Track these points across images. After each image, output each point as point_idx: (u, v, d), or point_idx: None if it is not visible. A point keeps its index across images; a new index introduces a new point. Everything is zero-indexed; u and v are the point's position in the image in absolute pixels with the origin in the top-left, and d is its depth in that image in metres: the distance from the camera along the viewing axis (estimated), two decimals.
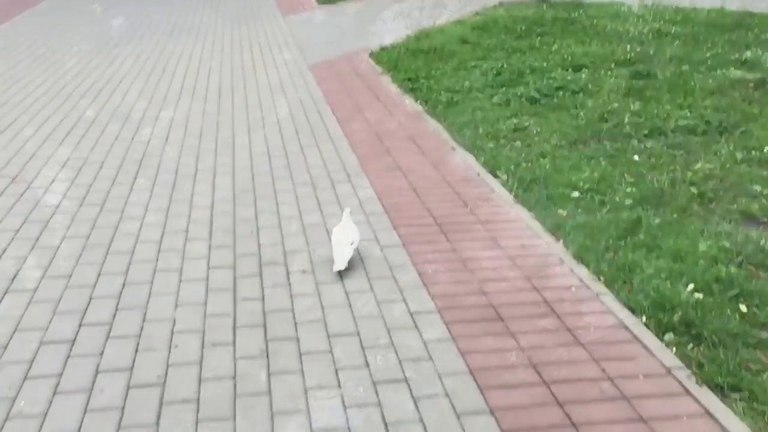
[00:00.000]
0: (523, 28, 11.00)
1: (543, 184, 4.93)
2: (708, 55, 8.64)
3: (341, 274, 3.77)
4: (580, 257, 3.91)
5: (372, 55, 9.56)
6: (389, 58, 9.21)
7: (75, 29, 11.81)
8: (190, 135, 5.97)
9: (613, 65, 8.56)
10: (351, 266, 3.80)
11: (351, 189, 4.86)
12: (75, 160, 5.38)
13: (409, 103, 7.19)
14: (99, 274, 3.73)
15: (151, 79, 8.20)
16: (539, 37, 10.35)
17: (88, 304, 3.44)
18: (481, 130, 6.17)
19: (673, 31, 10.58)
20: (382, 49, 9.80)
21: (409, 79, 8.00)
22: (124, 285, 3.63)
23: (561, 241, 4.10)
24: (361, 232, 4.00)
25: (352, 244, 3.92)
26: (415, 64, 8.72)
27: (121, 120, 6.48)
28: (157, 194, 4.77)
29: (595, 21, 11.60)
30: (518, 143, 5.90)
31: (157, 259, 3.90)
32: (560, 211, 4.52)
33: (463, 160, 5.44)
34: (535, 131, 6.23)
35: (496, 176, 5.14)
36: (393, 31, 11.57)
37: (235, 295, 3.57)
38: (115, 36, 11.21)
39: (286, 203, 4.62)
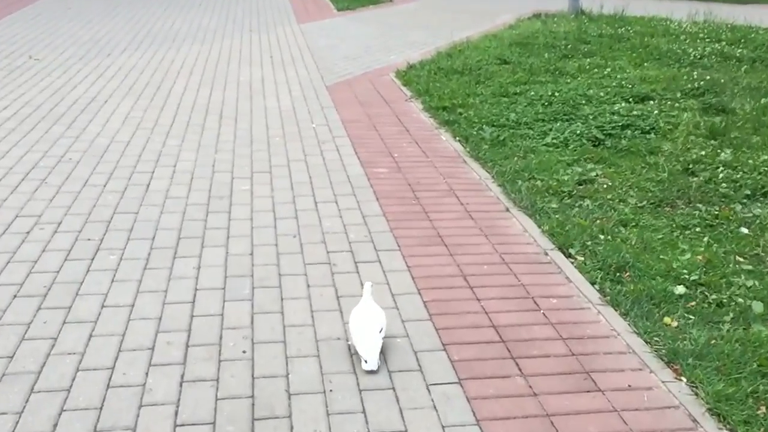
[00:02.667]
0: (567, 45, 9.80)
1: (634, 271, 3.73)
2: None
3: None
4: (720, 415, 2.68)
5: (398, 74, 8.38)
6: (418, 79, 8.02)
7: (67, 33, 10.67)
8: (178, 184, 4.79)
9: (679, 95, 7.36)
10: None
11: (380, 271, 3.66)
12: (25, 219, 4.21)
13: (446, 139, 5.99)
14: None
15: (141, 98, 7.03)
16: (587, 58, 9.15)
17: None
18: (538, 183, 4.96)
19: (738, 54, 9.36)
20: (410, 67, 8.62)
21: (444, 108, 6.80)
22: None
23: (683, 380, 2.87)
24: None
25: (380, 331, 2.94)
26: (448, 87, 7.53)
27: (92, 159, 5.28)
28: (123, 282, 3.60)
29: (645, 39, 10.38)
30: (587, 202, 4.69)
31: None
32: (666, 319, 3.31)
33: (524, 229, 4.24)
34: (605, 185, 5.03)
35: (568, 255, 3.94)
36: (419, 45, 10.41)
37: None
38: (110, 42, 10.06)
39: (294, 296, 3.44)
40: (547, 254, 3.92)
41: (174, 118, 6.33)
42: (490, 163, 5.38)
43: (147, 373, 2.77)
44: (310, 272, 3.62)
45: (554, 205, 4.62)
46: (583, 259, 3.90)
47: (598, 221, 4.41)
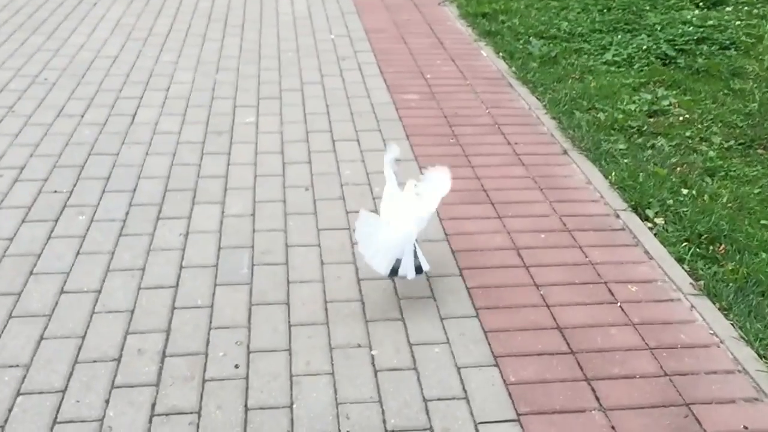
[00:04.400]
0: None
1: (731, 243, 2.96)
2: None
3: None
4: None
5: None
6: None
7: None
8: (169, 114, 4.02)
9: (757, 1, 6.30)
10: None
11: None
12: None
13: (487, 55, 5.09)
14: None
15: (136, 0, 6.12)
16: None
17: None
18: (601, 115, 4.11)
19: None
20: None
21: (483, 15, 5.83)
22: None
23: None
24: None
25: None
26: None
27: (71, 81, 4.52)
28: (91, 256, 2.91)
29: None
30: (662, 142, 3.86)
31: None
32: None
33: (587, 180, 3.45)
34: (681, 118, 4.17)
35: (645, 217, 3.17)
36: None
37: None
38: None
39: (304, 279, 2.74)
40: (618, 217, 3.15)
41: (171, 26, 5.45)
42: (541, 87, 4.51)
43: (107, 401, 2.12)
44: (324, 242, 2.89)
45: (622, 146, 3.79)
46: (663, 223, 3.13)
47: (678, 169, 3.60)
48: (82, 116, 3.94)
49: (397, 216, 2.53)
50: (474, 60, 4.99)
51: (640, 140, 3.89)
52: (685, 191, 3.38)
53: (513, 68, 4.85)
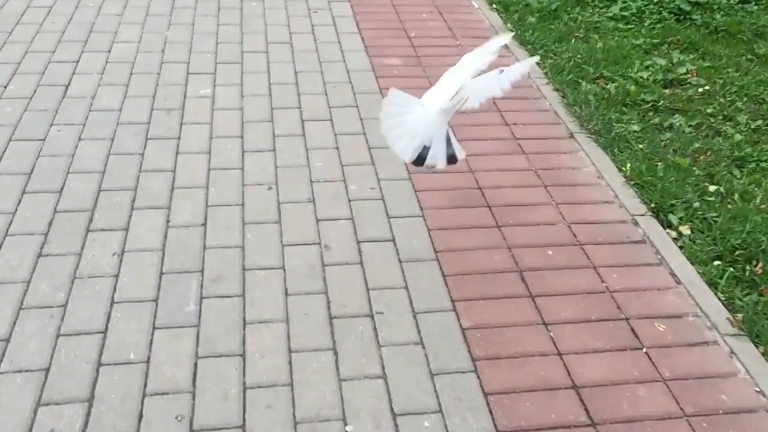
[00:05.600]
0: None
1: None
2: None
3: None
4: None
5: None
6: None
7: None
8: (109, 84, 3.43)
9: None
10: None
11: (395, 264, 2.45)
12: None
13: (479, 7, 4.49)
14: None
15: None
16: None
17: None
18: (611, 87, 3.58)
19: None
20: None
21: None
22: None
23: None
24: None
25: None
26: None
27: None
28: None
29: None
30: (680, 121, 3.37)
31: None
32: None
33: (598, 173, 2.96)
34: (701, 89, 3.67)
35: (668, 224, 2.70)
36: None
37: None
38: None
39: (268, 318, 2.26)
40: (637, 224, 2.68)
41: None
42: (541, 49, 3.95)
43: None
44: (289, 263, 2.40)
45: (636, 128, 3.29)
46: (690, 233, 2.67)
47: (701, 158, 3.12)
48: (6, 87, 3.33)
49: (436, 95, 2.18)
50: (464, 13, 4.40)
51: (656, 119, 3.38)
52: (712, 188, 2.91)
53: (509, 24, 4.27)
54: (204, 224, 2.55)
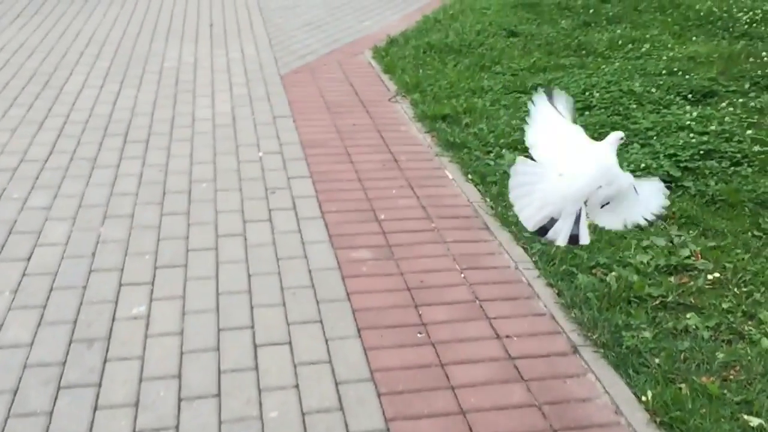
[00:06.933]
0: (584, 7, 7.80)
1: None
2: None
3: None
4: None
5: (376, 53, 6.38)
6: (403, 62, 6.03)
7: None
8: (23, 303, 2.91)
9: (749, 87, 5.49)
10: None
11: None
12: None
13: (454, 179, 4.11)
14: None
15: (15, 106, 4.98)
16: (614, 26, 7.20)
17: None
18: (611, 279, 3.13)
19: None
20: (391, 41, 6.62)
21: (443, 118, 4.87)
22: None
23: None
24: None
25: None
26: (444, 77, 5.60)
27: None
28: None
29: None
30: (696, 322, 2.91)
31: None
32: None
33: (614, 403, 2.45)
34: (710, 278, 3.23)
35: None
36: (399, 2, 8.34)
37: None
38: None
39: None
40: None
41: (53, 147, 4.28)
42: (527, 237, 3.49)
43: None
44: None
45: (647, 334, 2.81)
46: None
47: (730, 374, 2.63)
48: None
49: (572, 161, 2.14)
50: (438, 186, 4.00)
51: (669, 322, 2.91)
52: (753, 421, 2.40)
53: (487, 198, 3.87)
54: None
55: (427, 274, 3.17)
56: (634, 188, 2.24)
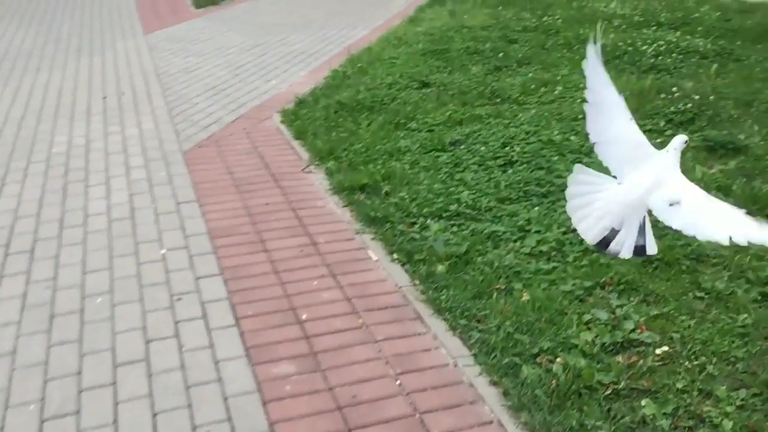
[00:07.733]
0: (493, 50, 7.72)
1: None
2: None
3: None
4: None
5: (285, 116, 6.06)
6: (314, 125, 5.73)
7: None
8: None
9: (663, 124, 5.47)
10: None
11: None
12: None
13: (378, 260, 3.80)
14: None
15: None
16: (524, 68, 7.13)
17: None
18: (557, 371, 2.87)
19: (699, 48, 7.59)
20: (299, 102, 6.32)
21: (362, 189, 4.57)
22: None
23: None
24: None
25: None
26: (359, 140, 5.32)
27: None
28: None
29: (579, 30, 8.39)
30: (653, 410, 2.68)
31: None
32: None
33: None
34: (660, 353, 3.02)
35: None
36: (305, 57, 8.08)
37: None
38: None
39: None
40: None
41: None
42: (462, 317, 3.24)
43: None
44: None
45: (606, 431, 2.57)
46: None
47: None
48: None
49: (637, 168, 2.08)
50: (362, 270, 3.69)
51: (625, 415, 2.67)
52: None
53: (416, 281, 3.58)
54: None
55: (360, 386, 2.83)
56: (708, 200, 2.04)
